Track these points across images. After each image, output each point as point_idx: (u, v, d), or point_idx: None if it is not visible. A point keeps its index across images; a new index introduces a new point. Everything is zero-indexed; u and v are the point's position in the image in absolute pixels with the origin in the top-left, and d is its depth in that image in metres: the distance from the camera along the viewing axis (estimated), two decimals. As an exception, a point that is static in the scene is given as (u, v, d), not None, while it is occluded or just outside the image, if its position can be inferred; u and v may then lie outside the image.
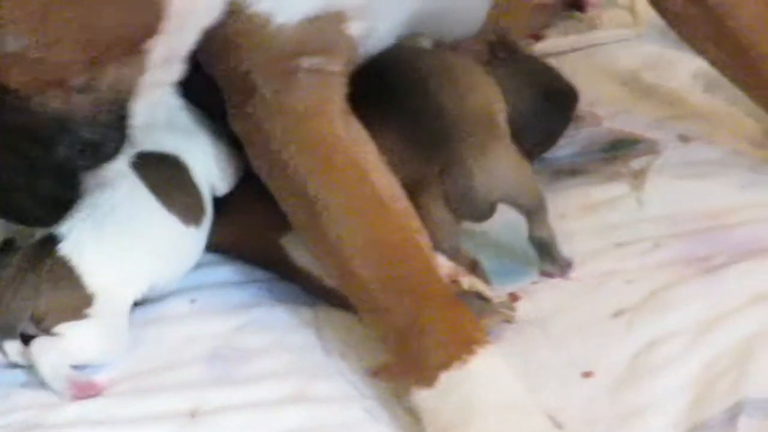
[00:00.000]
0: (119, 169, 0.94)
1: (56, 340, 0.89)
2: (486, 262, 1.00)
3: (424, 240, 0.92)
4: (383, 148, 0.95)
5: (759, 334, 0.91)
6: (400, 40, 1.04)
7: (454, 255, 0.96)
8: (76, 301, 0.90)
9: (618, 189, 1.12)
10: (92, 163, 0.86)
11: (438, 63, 1.04)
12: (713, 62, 1.11)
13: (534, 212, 0.98)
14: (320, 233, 0.91)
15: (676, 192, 1.11)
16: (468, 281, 0.93)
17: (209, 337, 0.96)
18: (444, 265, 0.94)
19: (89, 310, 0.90)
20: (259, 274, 1.03)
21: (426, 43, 1.08)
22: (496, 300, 0.93)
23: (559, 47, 1.38)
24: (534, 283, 1.01)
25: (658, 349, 0.91)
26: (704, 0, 1.04)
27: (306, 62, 0.93)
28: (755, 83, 1.09)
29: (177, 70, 0.87)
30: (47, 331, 0.89)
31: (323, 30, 0.92)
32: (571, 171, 1.17)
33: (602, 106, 1.28)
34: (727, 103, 1.24)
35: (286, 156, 0.92)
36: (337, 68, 0.95)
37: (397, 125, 0.99)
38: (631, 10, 1.43)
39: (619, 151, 1.20)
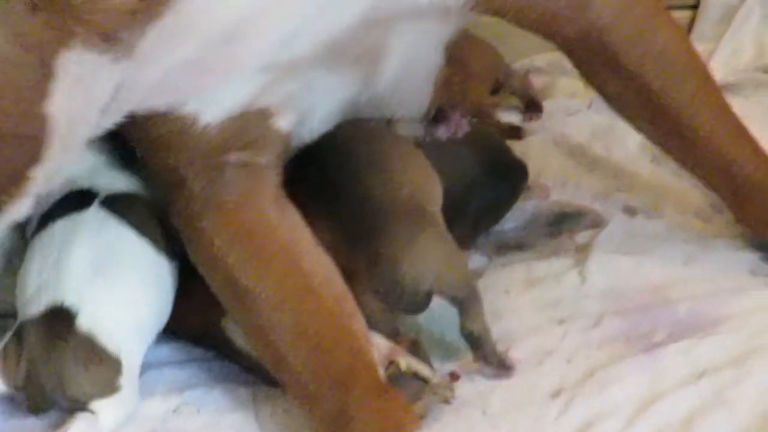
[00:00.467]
0: (97, 217, 0.94)
1: (93, 420, 0.88)
2: (427, 340, 0.99)
3: (356, 325, 0.91)
4: (316, 237, 0.95)
5: (697, 412, 0.91)
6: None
7: (392, 337, 0.95)
8: (108, 374, 0.89)
9: (562, 264, 1.12)
10: None
11: (373, 151, 1.03)
12: (652, 140, 1.11)
13: (465, 304, 0.95)
14: (252, 323, 0.91)
15: (619, 267, 1.11)
16: (405, 362, 0.93)
17: (145, 419, 0.94)
18: (382, 345, 0.94)
19: (120, 380, 0.90)
20: (198, 353, 1.02)
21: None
22: (434, 380, 0.93)
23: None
24: (475, 361, 0.98)
25: (594, 431, 0.90)
26: (640, 82, 1.03)
27: (233, 157, 0.93)
28: (694, 161, 1.09)
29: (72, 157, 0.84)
30: (83, 408, 0.89)
31: (249, 126, 0.92)
32: (517, 245, 1.17)
33: (550, 177, 1.29)
34: (674, 174, 1.24)
35: (217, 249, 0.93)
36: (267, 160, 0.95)
37: (329, 216, 0.99)
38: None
39: (564, 225, 1.20)
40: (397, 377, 0.92)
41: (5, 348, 0.90)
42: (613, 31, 1.00)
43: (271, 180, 0.95)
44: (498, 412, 0.93)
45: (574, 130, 1.37)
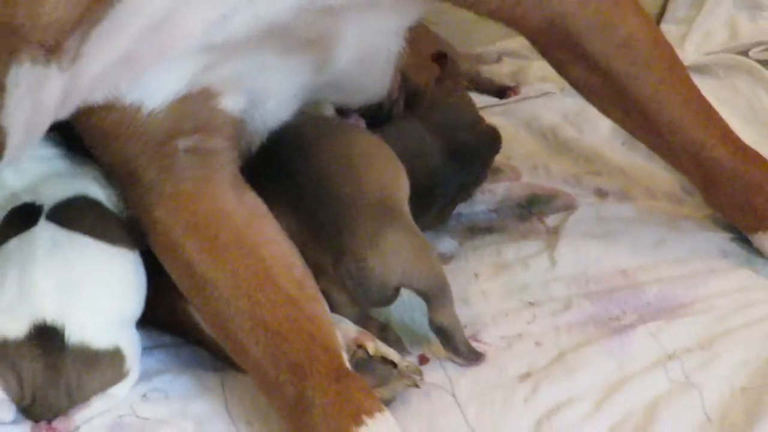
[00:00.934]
0: (47, 232, 0.92)
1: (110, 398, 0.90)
2: (396, 325, 0.99)
3: (318, 309, 0.91)
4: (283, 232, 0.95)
5: (666, 394, 0.91)
6: (302, 108, 1.03)
7: (362, 323, 0.95)
8: (113, 368, 0.89)
9: (532, 247, 1.12)
10: None
11: (337, 145, 1.02)
12: (621, 125, 1.11)
13: (434, 297, 0.95)
14: (211, 311, 0.91)
15: (589, 250, 1.11)
16: (373, 346, 0.93)
17: (114, 405, 0.91)
18: (349, 329, 0.94)
19: (126, 365, 0.90)
20: (166, 339, 1.01)
21: (329, 110, 1.07)
22: (402, 365, 0.92)
23: (481, 100, 1.38)
24: (445, 352, 0.97)
25: (562, 414, 0.90)
26: (606, 70, 1.03)
27: (182, 143, 0.92)
28: (664, 146, 1.09)
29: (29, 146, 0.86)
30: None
31: (194, 108, 0.91)
32: (487, 228, 1.16)
33: (522, 160, 1.29)
34: (645, 157, 1.24)
35: (173, 238, 0.92)
36: (220, 145, 0.94)
37: (295, 212, 0.98)
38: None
39: (534, 207, 1.20)
40: (366, 361, 0.91)
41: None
42: (576, 20, 1.00)
43: (226, 166, 0.95)
44: (466, 396, 0.93)
45: (545, 113, 1.37)
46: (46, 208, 0.94)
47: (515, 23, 1.02)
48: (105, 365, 0.88)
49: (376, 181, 0.99)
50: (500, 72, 1.48)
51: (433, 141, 1.11)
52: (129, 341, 0.91)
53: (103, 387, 0.89)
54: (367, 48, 1.01)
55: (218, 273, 0.90)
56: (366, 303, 0.95)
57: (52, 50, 0.75)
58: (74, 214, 0.94)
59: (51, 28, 0.73)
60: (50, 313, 0.87)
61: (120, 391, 0.91)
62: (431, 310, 0.94)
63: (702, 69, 1.47)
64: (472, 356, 0.95)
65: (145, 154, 0.92)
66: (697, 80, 1.37)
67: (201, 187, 0.93)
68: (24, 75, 0.75)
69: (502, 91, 1.45)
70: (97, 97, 0.86)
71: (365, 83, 1.09)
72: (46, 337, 0.87)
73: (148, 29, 0.81)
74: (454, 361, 0.96)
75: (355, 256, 0.93)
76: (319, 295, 0.93)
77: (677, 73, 1.07)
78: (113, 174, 0.96)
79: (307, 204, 0.98)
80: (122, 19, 0.79)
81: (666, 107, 1.05)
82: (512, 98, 1.42)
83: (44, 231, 0.92)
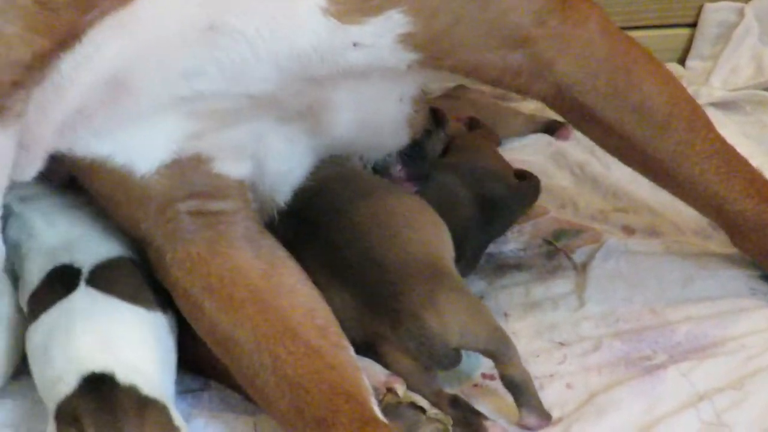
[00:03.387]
0: (86, 298, 0.90)
1: None
2: None
3: (342, 356, 0.87)
4: (333, 307, 0.91)
5: (699, 437, 0.88)
6: (328, 162, 1.01)
7: (435, 396, 0.91)
8: (163, 418, 0.85)
9: (560, 286, 1.09)
10: None
11: (376, 210, 0.98)
12: (644, 176, 1.06)
13: (499, 354, 0.90)
14: (237, 367, 0.88)
15: (617, 289, 1.08)
16: (403, 390, 0.90)
17: (148, 450, 0.90)
18: (378, 373, 0.91)
19: (175, 420, 0.86)
20: (198, 383, 0.98)
21: (356, 161, 1.05)
22: (431, 411, 0.88)
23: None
24: (476, 386, 0.96)
25: (595, 457, 0.86)
26: (621, 133, 0.98)
27: (183, 207, 0.90)
28: (686, 197, 1.06)
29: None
30: None
31: (187, 173, 0.89)
32: (515, 265, 1.13)
33: (550, 196, 1.25)
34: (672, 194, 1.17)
35: (192, 299, 0.90)
36: (226, 207, 0.92)
37: (344, 283, 0.94)
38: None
39: (561, 241, 1.17)
40: (395, 406, 0.88)
41: None
42: (584, 90, 0.95)
43: (237, 224, 0.92)
44: (498, 439, 0.89)
45: (573, 150, 1.34)
46: (85, 272, 0.92)
47: (520, 92, 0.98)
48: (155, 413, 0.85)
49: (421, 243, 0.95)
50: (526, 108, 1.45)
51: (466, 192, 1.08)
52: (170, 400, 0.87)
53: None
54: (367, 114, 0.97)
55: (239, 331, 0.87)
56: (432, 363, 0.90)
57: None
58: (112, 278, 0.92)
59: None
60: (97, 364, 0.85)
61: None
62: (499, 367, 0.91)
63: (728, 105, 1.45)
64: (543, 414, 0.90)
65: (149, 219, 0.90)
66: (723, 116, 1.39)
67: (212, 248, 0.91)
68: None
69: (551, 127, 1.38)
70: (62, 147, 0.84)
71: (376, 142, 1.05)
72: (98, 384, 0.84)
73: (100, 84, 0.79)
74: (522, 425, 0.90)
75: (413, 317, 0.89)
76: (344, 341, 0.89)
77: (697, 129, 1.01)
78: (130, 238, 0.94)
79: (354, 272, 0.94)
80: (71, 73, 0.76)
81: (685, 165, 1.01)
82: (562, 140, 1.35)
83: (84, 297, 0.90)
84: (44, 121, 0.79)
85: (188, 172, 0.89)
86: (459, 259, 0.95)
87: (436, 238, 0.98)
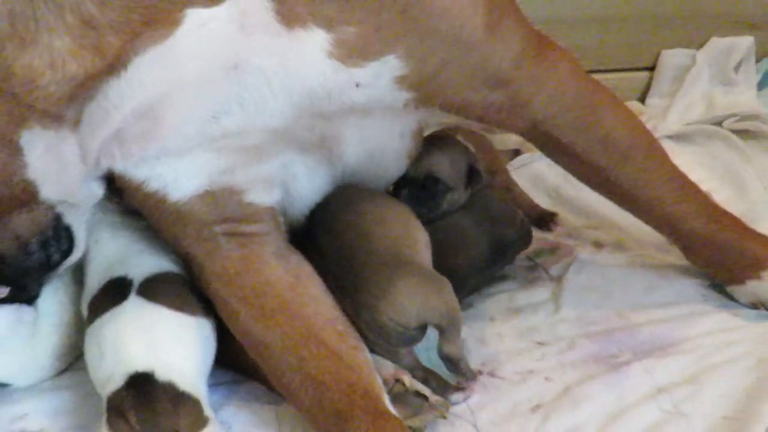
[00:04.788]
0: (135, 305, 0.93)
1: None
2: (425, 361, 0.99)
3: (359, 357, 0.91)
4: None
5: (659, 424, 0.92)
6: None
7: (411, 365, 0.96)
8: (195, 410, 0.89)
9: (540, 294, 1.13)
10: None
11: (354, 215, 1.00)
12: (609, 200, 1.10)
13: (446, 330, 0.93)
14: (268, 367, 0.92)
15: (589, 296, 1.11)
16: (409, 380, 0.94)
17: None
18: (388, 366, 0.95)
19: (205, 413, 0.90)
20: (227, 376, 1.01)
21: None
22: (433, 398, 0.93)
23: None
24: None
25: (570, 441, 0.91)
26: (588, 162, 1.02)
27: (219, 229, 0.93)
28: (646, 218, 1.09)
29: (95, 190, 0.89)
30: None
31: (220, 203, 0.91)
32: (501, 277, 1.17)
33: None
34: (636, 214, 1.24)
35: (230, 309, 0.94)
36: (259, 229, 0.95)
37: (324, 274, 0.98)
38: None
39: (539, 258, 1.20)
40: (402, 394, 0.93)
41: (110, 422, 0.89)
42: (557, 123, 0.98)
43: (269, 243, 0.95)
44: (486, 425, 0.94)
45: (549, 175, 1.37)
46: (135, 284, 0.96)
47: (501, 126, 1.01)
48: (188, 405, 0.89)
49: (387, 237, 0.98)
50: (508, 140, 1.48)
51: (477, 233, 1.10)
52: (203, 394, 0.91)
53: (190, 428, 0.88)
54: (372, 147, 1.01)
55: (269, 336, 0.91)
56: (391, 346, 0.94)
57: (54, 117, 0.76)
58: (158, 289, 0.96)
59: (49, 98, 0.74)
60: (141, 365, 0.89)
61: None
62: (441, 341, 0.94)
63: (684, 137, 1.49)
64: (471, 375, 0.95)
65: (188, 238, 0.93)
66: (679, 147, 1.44)
67: (246, 264, 0.94)
68: (38, 137, 0.77)
69: (542, 219, 1.29)
70: (104, 166, 0.86)
71: (380, 173, 1.08)
72: (140, 383, 0.88)
73: (138, 112, 0.81)
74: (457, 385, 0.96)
75: (369, 308, 0.92)
76: (361, 344, 0.93)
77: (656, 157, 1.05)
78: (176, 254, 0.97)
79: (331, 266, 0.98)
80: (115, 98, 0.78)
81: (644, 189, 1.05)
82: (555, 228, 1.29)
83: (133, 305, 0.94)
84: (90, 136, 0.81)
85: (221, 201, 0.91)
86: (458, 291, 0.97)
87: (401, 235, 0.99)
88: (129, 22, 0.74)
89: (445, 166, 1.10)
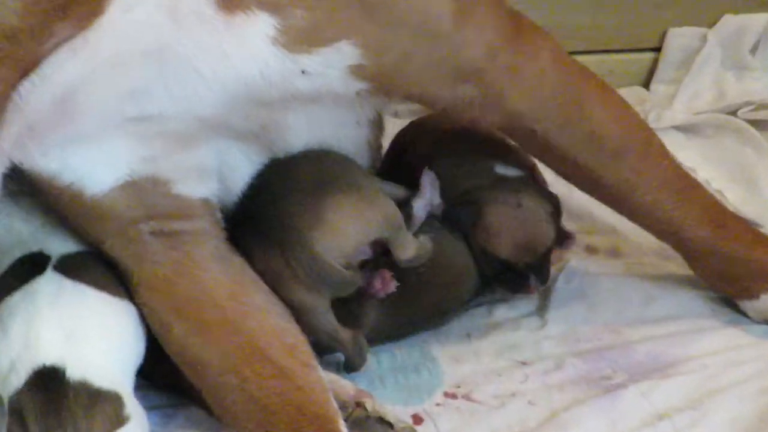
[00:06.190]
0: (52, 282, 0.91)
1: None
2: (390, 384, 1.00)
3: (311, 375, 0.91)
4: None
5: (656, 454, 0.92)
6: None
7: (333, 338, 0.96)
8: (113, 408, 0.87)
9: (522, 306, 1.12)
10: None
11: (288, 171, 0.99)
12: (603, 203, 1.10)
13: (393, 239, 0.95)
14: (206, 388, 0.91)
15: (578, 309, 1.11)
16: (372, 404, 0.93)
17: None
18: (348, 387, 0.94)
19: (126, 410, 0.87)
20: (162, 400, 1.00)
21: None
22: (399, 425, 0.92)
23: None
24: (438, 404, 0.99)
25: (554, 474, 0.91)
26: (574, 161, 1.02)
27: (146, 227, 0.92)
28: (644, 224, 1.09)
29: None
30: None
31: (143, 195, 0.91)
32: None
33: None
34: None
35: (161, 320, 0.92)
36: (191, 227, 0.94)
37: (249, 229, 0.97)
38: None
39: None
40: (363, 421, 0.92)
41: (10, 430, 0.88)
42: (536, 120, 0.98)
43: (205, 243, 0.95)
44: (460, 455, 0.93)
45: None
46: (53, 259, 0.94)
47: (473, 121, 1.01)
48: (106, 404, 0.87)
49: (308, 167, 0.97)
50: None
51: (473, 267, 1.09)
52: (128, 388, 0.90)
53: (106, 428, 0.86)
54: (324, 136, 1.01)
55: (207, 353, 0.90)
56: (327, 288, 0.94)
57: None
58: (80, 267, 0.94)
59: None
60: (51, 357, 0.87)
61: None
62: (394, 251, 0.95)
63: (691, 128, 1.48)
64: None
65: (110, 239, 0.92)
66: (685, 139, 1.44)
67: (179, 269, 0.93)
68: None
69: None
70: (15, 159, 0.85)
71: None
72: (48, 379, 0.86)
73: (51, 103, 0.80)
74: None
75: (301, 241, 0.92)
76: (313, 361, 0.92)
77: (651, 157, 1.05)
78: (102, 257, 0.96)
79: (258, 221, 0.97)
80: (30, 95, 0.78)
81: (639, 192, 1.04)
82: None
83: (50, 280, 0.92)
84: (5, 136, 0.79)
85: (145, 194, 0.91)
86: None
87: (333, 162, 0.99)
88: (48, 22, 0.74)
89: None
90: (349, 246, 0.93)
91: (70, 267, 0.93)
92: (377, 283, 0.97)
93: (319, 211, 0.93)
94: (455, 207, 1.08)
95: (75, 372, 0.86)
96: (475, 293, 1.10)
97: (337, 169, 0.99)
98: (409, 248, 0.96)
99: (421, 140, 1.18)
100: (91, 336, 0.89)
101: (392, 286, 0.97)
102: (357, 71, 0.88)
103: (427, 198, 1.05)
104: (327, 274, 0.92)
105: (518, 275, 1.06)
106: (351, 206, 0.93)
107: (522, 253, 1.05)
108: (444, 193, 1.08)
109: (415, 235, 1.00)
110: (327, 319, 0.96)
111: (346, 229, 0.93)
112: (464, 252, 1.07)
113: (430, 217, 1.07)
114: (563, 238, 1.15)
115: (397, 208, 0.97)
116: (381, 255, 0.97)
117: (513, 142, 1.12)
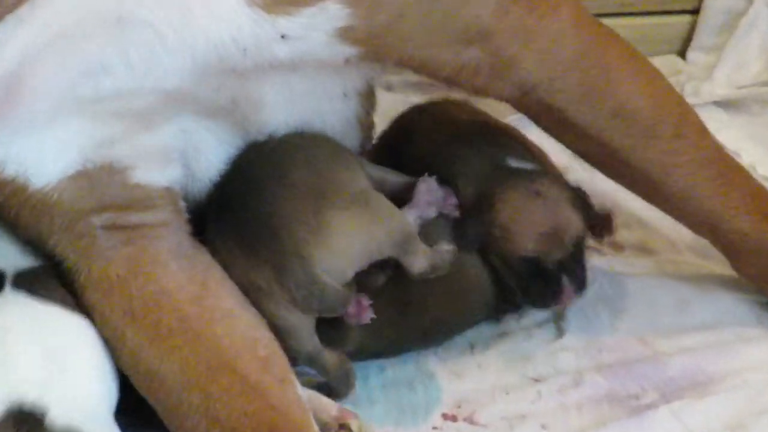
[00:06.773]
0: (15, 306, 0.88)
1: None
2: (383, 404, 0.98)
3: (288, 391, 0.88)
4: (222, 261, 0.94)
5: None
6: None
7: (316, 362, 0.94)
8: None
9: (536, 313, 1.08)
10: None
11: (274, 164, 0.97)
12: (632, 191, 1.08)
13: (404, 254, 0.93)
14: (163, 407, 0.87)
15: (601, 314, 1.09)
16: (357, 425, 0.92)
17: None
18: (330, 407, 0.94)
19: None
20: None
21: None
22: (389, 449, 0.91)
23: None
24: (435, 428, 0.96)
25: None
26: (599, 140, 0.99)
27: (97, 220, 0.89)
28: (678, 215, 1.08)
29: None
30: None
31: (97, 185, 0.88)
32: None
33: None
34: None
35: (112, 327, 0.89)
36: (150, 219, 0.91)
37: (230, 234, 0.94)
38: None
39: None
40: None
41: None
42: (555, 92, 0.96)
43: (166, 238, 0.92)
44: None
45: (550, 148, 1.25)
46: (8, 275, 0.90)
47: (479, 92, 0.98)
48: None
49: (303, 171, 0.94)
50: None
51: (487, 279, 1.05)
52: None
53: None
54: (306, 111, 0.98)
55: (165, 365, 0.87)
56: (322, 310, 0.90)
57: None
58: (41, 282, 0.90)
59: None
60: (30, 394, 0.81)
61: None
62: (404, 266, 0.94)
63: (734, 104, 1.47)
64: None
65: (56, 234, 0.89)
66: (727, 117, 1.40)
67: (134, 267, 0.90)
68: None
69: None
70: None
71: None
72: (24, 424, 0.81)
73: None
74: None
75: (300, 261, 0.88)
76: (290, 375, 0.89)
77: (688, 136, 1.02)
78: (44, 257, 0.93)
79: (242, 223, 0.93)
80: None
81: (674, 177, 1.02)
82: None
83: (12, 302, 0.88)
84: None
85: (99, 184, 0.88)
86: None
87: (324, 162, 0.96)
88: None
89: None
90: (353, 267, 0.92)
91: (29, 284, 0.89)
92: (351, 310, 0.93)
93: (320, 226, 0.91)
94: (463, 220, 1.04)
95: (58, 418, 0.81)
96: (488, 313, 1.06)
97: (337, 171, 0.96)
98: (419, 261, 0.94)
99: (427, 129, 1.15)
100: (71, 365, 0.85)
101: (367, 316, 0.94)
102: (345, 34, 0.86)
103: (420, 208, 1.01)
104: (324, 296, 0.89)
105: (548, 280, 1.01)
106: (357, 224, 0.92)
107: (548, 244, 1.01)
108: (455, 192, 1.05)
109: (433, 241, 0.97)
110: (311, 342, 0.93)
111: (350, 251, 0.91)
112: (476, 261, 1.03)
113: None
114: (600, 226, 1.10)
115: (405, 220, 0.96)
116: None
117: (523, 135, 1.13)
